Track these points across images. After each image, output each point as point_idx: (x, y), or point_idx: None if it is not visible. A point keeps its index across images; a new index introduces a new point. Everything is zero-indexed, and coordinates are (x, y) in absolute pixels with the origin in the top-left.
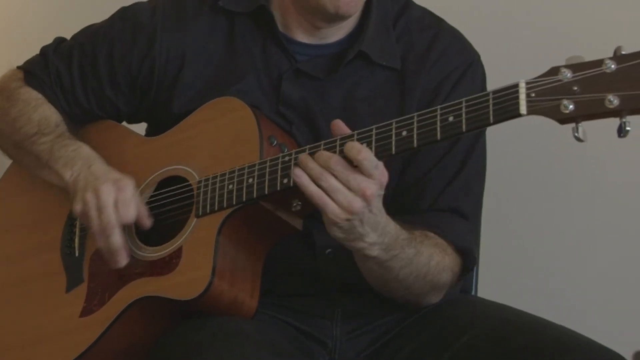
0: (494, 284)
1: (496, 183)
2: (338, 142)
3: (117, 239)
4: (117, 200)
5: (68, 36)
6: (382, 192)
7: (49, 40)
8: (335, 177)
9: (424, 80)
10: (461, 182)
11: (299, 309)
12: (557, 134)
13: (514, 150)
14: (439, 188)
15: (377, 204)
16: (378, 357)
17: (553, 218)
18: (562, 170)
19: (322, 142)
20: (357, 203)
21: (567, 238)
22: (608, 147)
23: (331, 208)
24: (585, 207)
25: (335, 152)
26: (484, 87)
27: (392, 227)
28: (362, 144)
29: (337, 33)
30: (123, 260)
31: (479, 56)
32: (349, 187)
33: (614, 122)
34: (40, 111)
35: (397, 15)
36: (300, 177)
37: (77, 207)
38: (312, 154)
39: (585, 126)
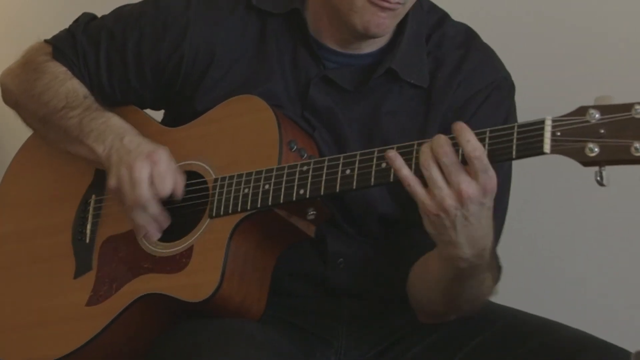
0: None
1: None
2: (358, 158)
3: (154, 209)
4: (152, 175)
5: None
6: (486, 202)
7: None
8: (440, 168)
9: (450, 99)
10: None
11: (304, 308)
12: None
13: None
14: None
15: (475, 212)
16: (386, 356)
17: (554, 219)
18: (563, 170)
19: (342, 155)
20: (449, 200)
21: (568, 238)
22: None
23: (421, 196)
24: (587, 207)
25: (372, 163)
26: (511, 108)
27: (488, 245)
28: (380, 162)
29: (369, 46)
30: (155, 234)
31: (509, 76)
32: (448, 181)
33: None
34: (68, 84)
35: (431, 30)
36: (395, 159)
37: (111, 183)
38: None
39: None
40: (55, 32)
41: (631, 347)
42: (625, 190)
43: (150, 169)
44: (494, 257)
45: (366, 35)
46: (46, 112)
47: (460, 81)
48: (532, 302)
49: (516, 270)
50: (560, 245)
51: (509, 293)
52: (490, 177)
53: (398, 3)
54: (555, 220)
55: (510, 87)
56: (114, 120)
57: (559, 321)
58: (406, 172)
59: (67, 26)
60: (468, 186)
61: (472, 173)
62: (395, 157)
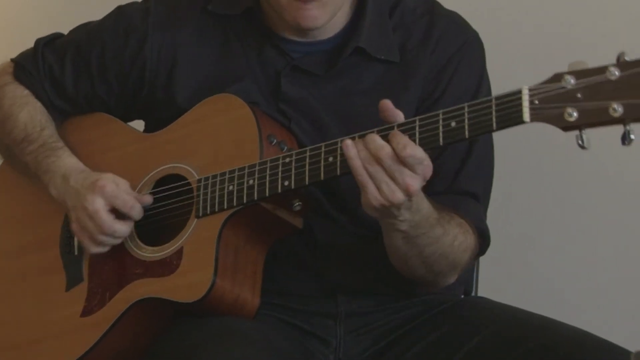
0: (495, 284)
1: (496, 183)
2: (339, 144)
3: (123, 230)
4: (106, 200)
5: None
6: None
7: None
8: (383, 168)
9: (425, 69)
10: (473, 165)
11: (300, 308)
12: (558, 135)
13: (515, 150)
14: (453, 172)
15: (418, 197)
16: (384, 356)
17: (554, 218)
18: (563, 170)
19: (324, 143)
20: (399, 196)
21: (568, 238)
22: (608, 146)
23: (372, 192)
24: (586, 207)
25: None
26: (483, 64)
27: (425, 206)
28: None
29: (327, 31)
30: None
31: (476, 34)
32: (394, 179)
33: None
34: (26, 111)
35: (393, 6)
36: (350, 149)
37: (74, 227)
38: (361, 137)
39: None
40: (54, 31)
41: (631, 347)
42: (625, 190)
43: (100, 196)
44: (453, 214)
45: (302, 29)
46: (9, 142)
47: (433, 49)
48: (532, 301)
49: (516, 270)
50: (561, 245)
51: (509, 292)
52: (427, 167)
53: None
54: (556, 219)
55: (480, 44)
56: (62, 160)
57: (559, 320)
58: (358, 164)
59: (66, 26)
60: (413, 181)
61: (409, 167)
62: (351, 147)
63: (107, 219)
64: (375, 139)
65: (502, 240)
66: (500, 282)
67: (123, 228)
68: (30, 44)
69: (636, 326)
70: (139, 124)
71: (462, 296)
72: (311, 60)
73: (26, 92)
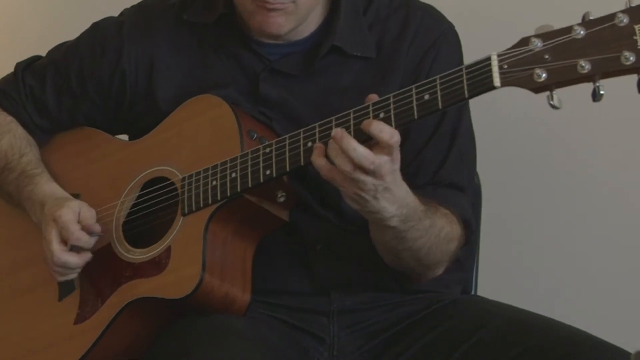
0: (494, 284)
1: (495, 183)
2: (317, 129)
3: (74, 262)
4: (58, 232)
5: (66, 37)
6: (396, 166)
7: (48, 40)
8: (350, 158)
9: (403, 62)
10: (455, 156)
11: (293, 306)
12: (558, 135)
13: (514, 151)
14: (435, 164)
15: (392, 179)
16: (383, 355)
17: (553, 218)
18: (562, 170)
19: (302, 129)
20: (369, 182)
21: (567, 238)
22: (608, 146)
23: (338, 180)
24: (586, 207)
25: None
26: (460, 55)
27: (411, 199)
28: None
29: (302, 32)
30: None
31: (451, 25)
32: (360, 166)
33: (615, 121)
34: (7, 139)
35: (367, 2)
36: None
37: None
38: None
39: (586, 125)
40: (55, 32)
41: (631, 347)
42: (625, 190)
43: (54, 229)
44: (438, 206)
45: (266, 36)
46: None
47: (410, 42)
48: (531, 300)
49: (516, 269)
50: (560, 244)
51: (509, 291)
52: (394, 143)
53: (282, 3)
54: (555, 218)
55: (456, 36)
56: (39, 188)
57: (558, 320)
58: (322, 162)
59: (66, 26)
60: (381, 164)
61: (381, 150)
62: (316, 146)
63: (57, 249)
64: (337, 131)
65: (501, 240)
66: (499, 281)
67: (72, 259)
68: (30, 44)
69: (636, 326)
70: (123, 138)
71: (461, 295)
72: (288, 62)
73: (9, 118)
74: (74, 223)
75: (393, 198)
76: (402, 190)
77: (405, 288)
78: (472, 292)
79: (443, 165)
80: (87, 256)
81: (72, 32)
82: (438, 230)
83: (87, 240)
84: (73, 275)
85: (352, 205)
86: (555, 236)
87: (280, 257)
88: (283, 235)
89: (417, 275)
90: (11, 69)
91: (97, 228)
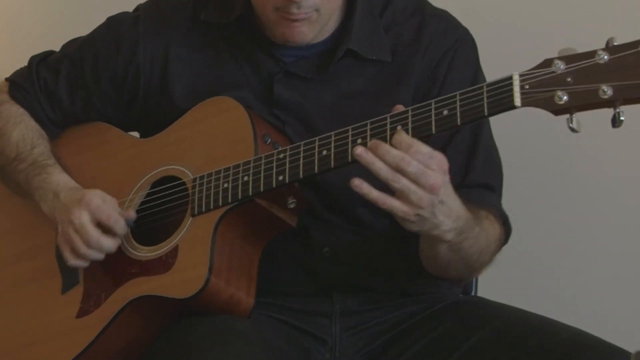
0: (494, 284)
1: None
2: (333, 138)
3: (109, 245)
4: (91, 215)
5: (66, 38)
6: (446, 178)
7: (49, 40)
8: (406, 175)
9: (418, 68)
10: (482, 157)
11: (296, 307)
12: (558, 135)
13: (514, 150)
14: (463, 166)
15: (446, 192)
16: (383, 355)
17: (553, 218)
18: (562, 170)
19: (317, 137)
20: (426, 198)
21: (568, 238)
22: (608, 146)
23: (399, 208)
24: (586, 207)
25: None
26: (476, 60)
27: (463, 210)
28: (356, 139)
29: (318, 35)
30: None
31: (467, 31)
32: (419, 183)
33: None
34: (18, 130)
35: (383, 6)
36: (361, 186)
37: (59, 240)
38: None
39: (585, 125)
40: (55, 32)
41: (631, 347)
42: (625, 190)
43: (87, 211)
44: (483, 208)
45: (289, 44)
46: (1, 161)
47: (425, 48)
48: (532, 301)
49: (516, 269)
50: (561, 244)
51: (508, 292)
52: (441, 157)
53: (306, 12)
54: (556, 219)
55: (472, 41)
56: (52, 177)
57: (558, 320)
58: (376, 194)
59: (66, 26)
60: (436, 178)
61: (425, 165)
62: (360, 184)
63: (94, 232)
64: (390, 149)
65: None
66: (499, 282)
67: (109, 242)
68: (30, 44)
69: (636, 326)
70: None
71: (461, 296)
72: (304, 64)
73: (21, 110)
74: (110, 208)
75: (449, 211)
76: (456, 203)
77: (407, 290)
78: (473, 293)
79: (471, 166)
80: (118, 241)
81: (72, 32)
82: (485, 235)
83: (123, 225)
84: (100, 257)
85: (410, 228)
86: (555, 237)
87: (283, 259)
88: (289, 238)
89: (460, 279)
90: (11, 69)
91: (132, 214)
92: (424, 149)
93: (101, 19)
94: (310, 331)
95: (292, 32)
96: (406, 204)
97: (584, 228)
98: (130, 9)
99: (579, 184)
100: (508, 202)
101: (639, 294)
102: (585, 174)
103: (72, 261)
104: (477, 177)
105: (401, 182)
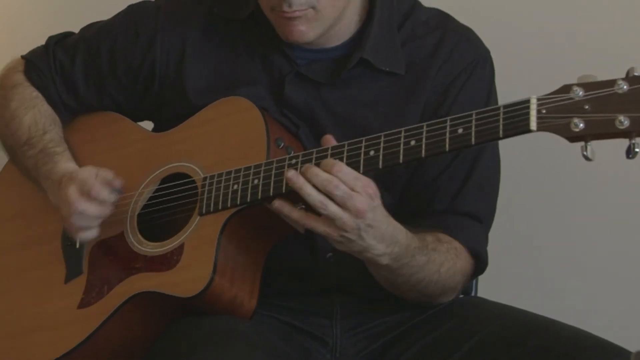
0: (494, 284)
1: None
2: (346, 148)
3: (92, 210)
4: (77, 186)
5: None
6: (376, 202)
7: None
8: (334, 198)
9: (431, 84)
10: (475, 185)
11: (297, 308)
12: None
13: (514, 152)
14: (452, 192)
15: (375, 216)
16: (383, 356)
17: (553, 218)
18: (562, 171)
19: (330, 146)
20: (350, 222)
21: (568, 238)
22: (608, 146)
23: (320, 229)
24: (586, 207)
25: (360, 152)
26: (492, 85)
27: (402, 236)
28: (369, 151)
29: (333, 39)
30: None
31: (488, 52)
32: (344, 207)
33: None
34: (31, 114)
35: (404, 18)
36: (294, 180)
37: (65, 225)
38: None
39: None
40: (54, 31)
41: (631, 347)
42: (625, 190)
43: (73, 184)
44: (442, 239)
45: (292, 43)
46: (12, 143)
47: (441, 65)
48: (532, 301)
49: (516, 269)
50: (560, 245)
51: (509, 292)
52: (368, 182)
53: (300, 10)
54: (556, 218)
55: (490, 64)
56: (59, 166)
57: (558, 320)
58: (296, 215)
59: (66, 26)
60: (362, 202)
61: (351, 188)
62: (281, 206)
63: (75, 197)
64: (318, 171)
65: (502, 241)
66: (499, 282)
67: (91, 208)
68: (30, 44)
69: (636, 326)
70: (147, 125)
71: (461, 296)
72: (316, 68)
73: (35, 93)
74: (92, 177)
75: (380, 235)
76: (389, 228)
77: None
78: (473, 293)
79: (460, 193)
80: (106, 209)
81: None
82: (437, 267)
83: (107, 195)
84: (91, 233)
85: (338, 247)
86: (555, 236)
87: (286, 261)
88: (293, 242)
89: (424, 302)
90: None
91: (118, 183)
92: (347, 169)
93: (101, 19)
94: (311, 332)
95: (290, 30)
96: (330, 226)
97: (584, 228)
98: None
99: (579, 185)
100: (508, 203)
101: (639, 294)
102: (585, 175)
103: (76, 235)
104: (465, 204)
105: (328, 210)
